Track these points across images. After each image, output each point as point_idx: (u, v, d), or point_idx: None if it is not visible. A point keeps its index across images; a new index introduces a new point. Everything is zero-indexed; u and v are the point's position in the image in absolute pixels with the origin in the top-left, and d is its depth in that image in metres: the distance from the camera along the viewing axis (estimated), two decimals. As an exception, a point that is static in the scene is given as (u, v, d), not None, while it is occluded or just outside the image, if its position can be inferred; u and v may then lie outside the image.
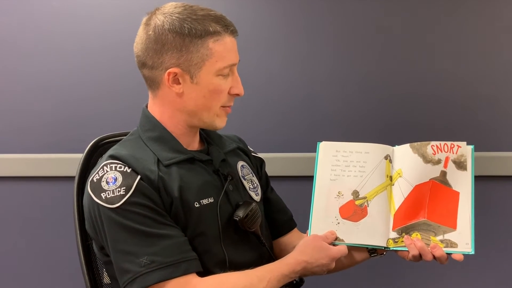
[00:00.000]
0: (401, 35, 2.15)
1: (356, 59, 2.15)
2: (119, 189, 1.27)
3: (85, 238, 1.44)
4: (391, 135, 2.15)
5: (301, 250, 1.37)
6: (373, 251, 1.43)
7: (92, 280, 1.43)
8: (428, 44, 2.15)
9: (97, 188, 1.29)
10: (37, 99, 2.16)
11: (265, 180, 1.61)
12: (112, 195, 1.26)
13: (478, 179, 2.12)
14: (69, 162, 2.10)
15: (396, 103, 2.16)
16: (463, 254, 1.31)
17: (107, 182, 1.28)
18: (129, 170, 1.29)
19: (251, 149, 1.62)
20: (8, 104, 2.17)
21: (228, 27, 1.34)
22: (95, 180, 1.30)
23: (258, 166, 1.60)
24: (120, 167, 1.30)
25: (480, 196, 2.15)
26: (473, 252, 1.30)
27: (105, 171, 1.30)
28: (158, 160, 1.34)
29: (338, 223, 1.42)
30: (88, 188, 1.31)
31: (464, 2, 2.14)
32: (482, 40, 2.14)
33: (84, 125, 2.15)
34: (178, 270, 1.25)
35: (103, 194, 1.27)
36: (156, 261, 1.24)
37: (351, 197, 1.42)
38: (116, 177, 1.28)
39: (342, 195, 1.42)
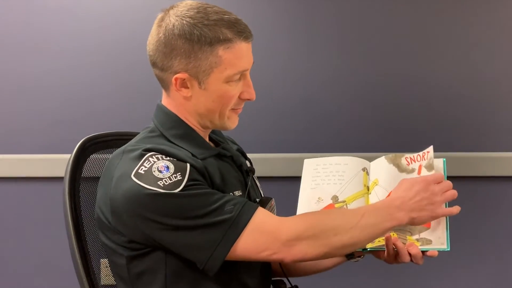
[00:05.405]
0: (400, 37, 2.16)
1: (355, 61, 2.17)
2: (175, 175, 1.24)
3: (79, 239, 1.41)
4: (390, 136, 2.16)
5: (392, 194, 1.34)
6: (350, 254, 1.44)
7: (89, 281, 1.40)
8: (427, 46, 2.16)
9: (151, 178, 1.24)
10: (32, 99, 2.18)
11: None
12: (170, 181, 1.23)
13: (478, 180, 2.15)
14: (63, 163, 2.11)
15: (395, 104, 2.17)
16: (438, 251, 1.33)
17: (160, 171, 1.25)
18: (175, 159, 1.27)
19: None
20: (6, 105, 2.17)
21: (241, 34, 1.30)
22: (142, 172, 1.25)
23: None
24: (166, 157, 1.27)
25: (480, 197, 2.17)
26: (448, 249, 1.31)
27: (152, 162, 1.26)
28: (192, 154, 1.32)
29: None
30: (136, 180, 1.25)
31: (464, 3, 2.14)
32: (480, 40, 2.15)
33: (77, 125, 2.16)
34: (255, 204, 1.28)
35: (160, 182, 1.23)
36: (238, 202, 1.25)
37: (330, 201, 1.45)
38: (168, 165, 1.25)
39: (322, 200, 1.45)
